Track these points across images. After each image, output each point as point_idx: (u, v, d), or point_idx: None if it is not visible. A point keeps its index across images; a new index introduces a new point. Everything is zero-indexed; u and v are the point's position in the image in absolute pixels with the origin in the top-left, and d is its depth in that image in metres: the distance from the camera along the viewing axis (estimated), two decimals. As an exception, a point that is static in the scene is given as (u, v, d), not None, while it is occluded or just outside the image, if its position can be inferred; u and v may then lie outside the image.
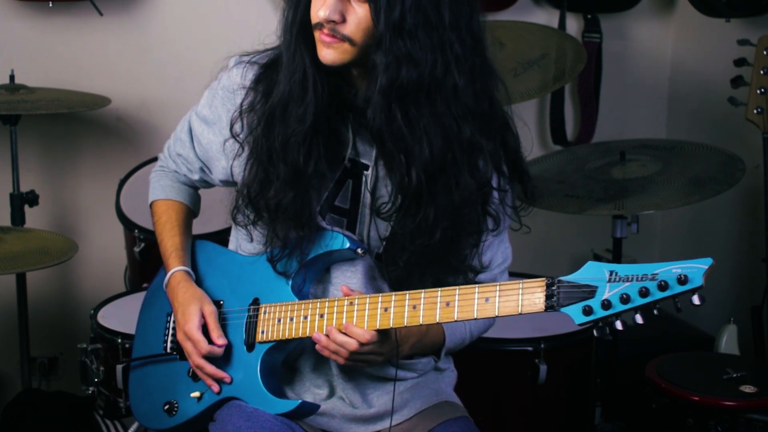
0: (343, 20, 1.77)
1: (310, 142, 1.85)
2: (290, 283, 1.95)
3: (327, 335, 1.85)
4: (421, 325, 1.85)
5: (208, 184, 2.19)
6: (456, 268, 1.92)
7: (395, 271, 1.91)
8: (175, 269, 2.08)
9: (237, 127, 1.96)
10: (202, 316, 1.99)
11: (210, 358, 1.98)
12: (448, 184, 1.83)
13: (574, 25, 3.95)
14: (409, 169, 1.81)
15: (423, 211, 1.83)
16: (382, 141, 1.82)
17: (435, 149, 1.79)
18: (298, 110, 1.84)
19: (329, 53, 1.80)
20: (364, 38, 1.78)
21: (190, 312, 1.99)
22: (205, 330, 1.99)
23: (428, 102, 1.78)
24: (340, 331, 1.84)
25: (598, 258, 3.77)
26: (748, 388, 2.65)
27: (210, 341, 1.97)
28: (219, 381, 1.99)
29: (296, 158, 1.85)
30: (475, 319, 1.74)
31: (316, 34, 1.81)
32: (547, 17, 3.91)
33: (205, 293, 2.05)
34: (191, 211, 2.22)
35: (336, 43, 1.78)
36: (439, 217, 1.84)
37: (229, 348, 1.99)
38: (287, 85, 1.85)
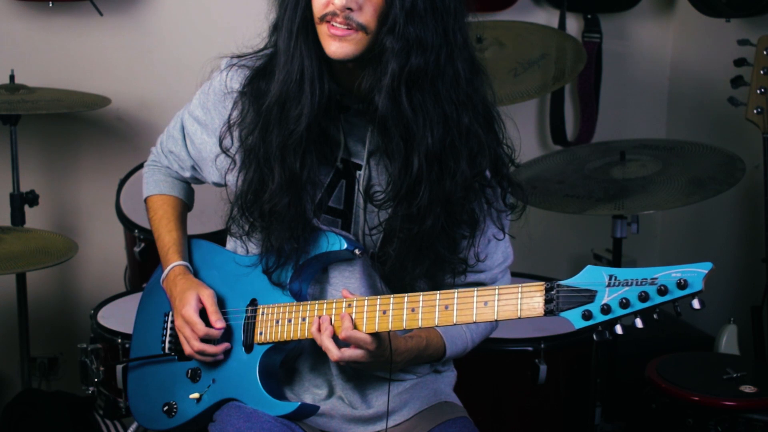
0: (359, 8, 1.74)
1: (305, 147, 1.83)
2: (287, 292, 1.95)
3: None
4: (421, 337, 1.86)
5: (199, 182, 2.19)
6: (447, 259, 1.90)
7: (387, 261, 1.90)
8: (175, 264, 2.07)
9: (227, 142, 1.95)
10: (200, 302, 1.99)
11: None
12: (444, 170, 1.82)
13: (574, 25, 3.95)
14: (410, 155, 1.80)
15: (419, 197, 1.82)
16: (386, 128, 1.79)
17: (436, 135, 1.79)
18: (294, 111, 1.82)
19: (342, 47, 1.76)
20: (377, 25, 1.75)
21: (187, 297, 1.99)
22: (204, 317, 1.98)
23: (432, 88, 1.78)
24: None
25: (598, 258, 3.77)
26: (748, 388, 2.65)
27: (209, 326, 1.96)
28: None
29: (293, 162, 1.84)
30: (474, 322, 1.74)
31: (324, 27, 1.77)
32: (547, 17, 3.90)
33: (204, 283, 2.04)
34: (186, 205, 2.22)
35: (350, 34, 1.75)
36: (432, 203, 1.82)
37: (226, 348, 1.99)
38: (284, 85, 1.82)
